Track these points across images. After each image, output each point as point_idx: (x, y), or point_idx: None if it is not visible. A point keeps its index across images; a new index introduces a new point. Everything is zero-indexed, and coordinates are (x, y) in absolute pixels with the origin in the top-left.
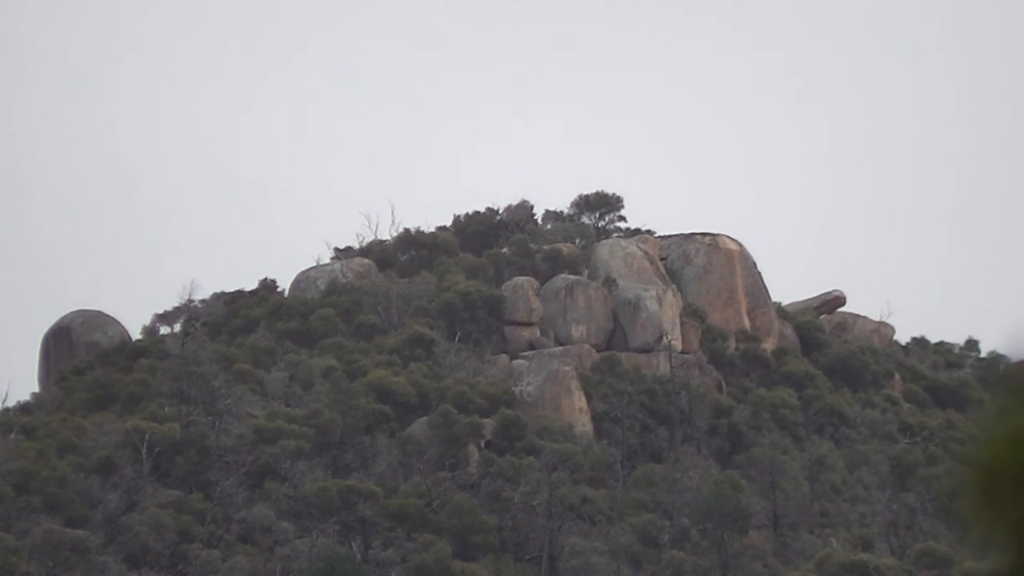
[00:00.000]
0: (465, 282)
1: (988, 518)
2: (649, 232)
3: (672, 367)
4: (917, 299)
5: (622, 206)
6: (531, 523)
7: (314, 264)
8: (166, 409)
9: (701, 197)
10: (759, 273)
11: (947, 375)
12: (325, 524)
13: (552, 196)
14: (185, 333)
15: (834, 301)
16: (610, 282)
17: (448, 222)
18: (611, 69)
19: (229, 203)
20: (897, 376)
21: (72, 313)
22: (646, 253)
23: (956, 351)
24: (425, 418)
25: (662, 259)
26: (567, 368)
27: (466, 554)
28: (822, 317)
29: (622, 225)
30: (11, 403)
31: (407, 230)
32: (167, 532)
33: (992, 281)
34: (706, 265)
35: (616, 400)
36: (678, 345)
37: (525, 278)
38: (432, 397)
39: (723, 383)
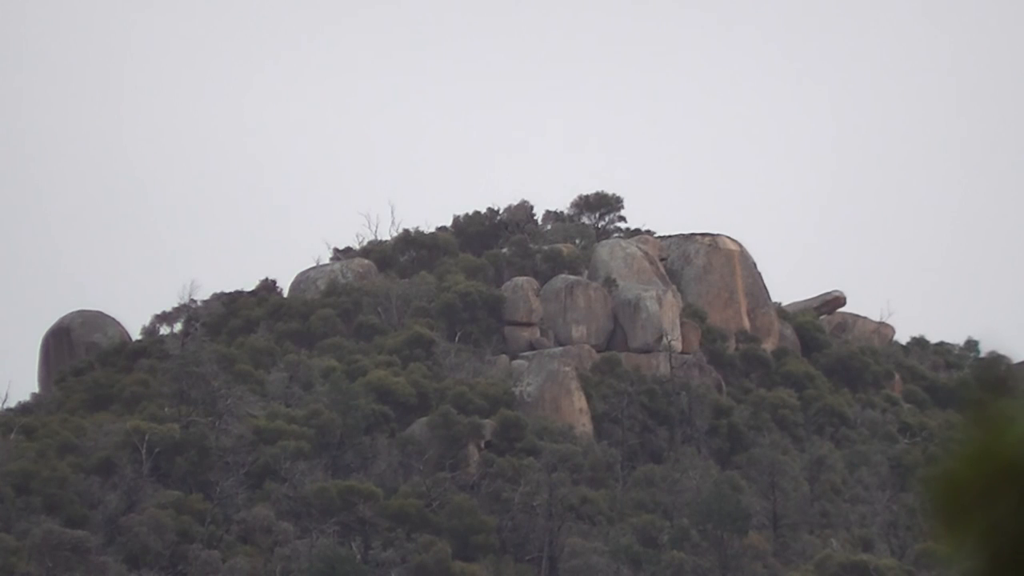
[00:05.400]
0: (465, 282)
1: (958, 527)
2: (649, 232)
3: (672, 367)
4: (917, 299)
5: (622, 206)
6: (531, 523)
7: (314, 264)
8: (166, 409)
9: (701, 197)
10: (759, 273)
11: (947, 375)
12: (325, 524)
13: (552, 196)
14: (185, 333)
15: (834, 301)
16: (610, 282)
17: (448, 222)
18: (611, 69)
19: (229, 203)
20: (897, 376)
21: (72, 313)
22: (646, 253)
23: (956, 351)
24: (425, 418)
25: (662, 259)
26: (567, 368)
27: (466, 554)
28: (822, 317)
29: (622, 225)
30: (11, 403)
31: (407, 230)
32: (167, 532)
33: (992, 281)
34: (706, 265)
35: (616, 400)
36: (678, 345)
37: (525, 278)
38: (432, 397)
39: (723, 383)
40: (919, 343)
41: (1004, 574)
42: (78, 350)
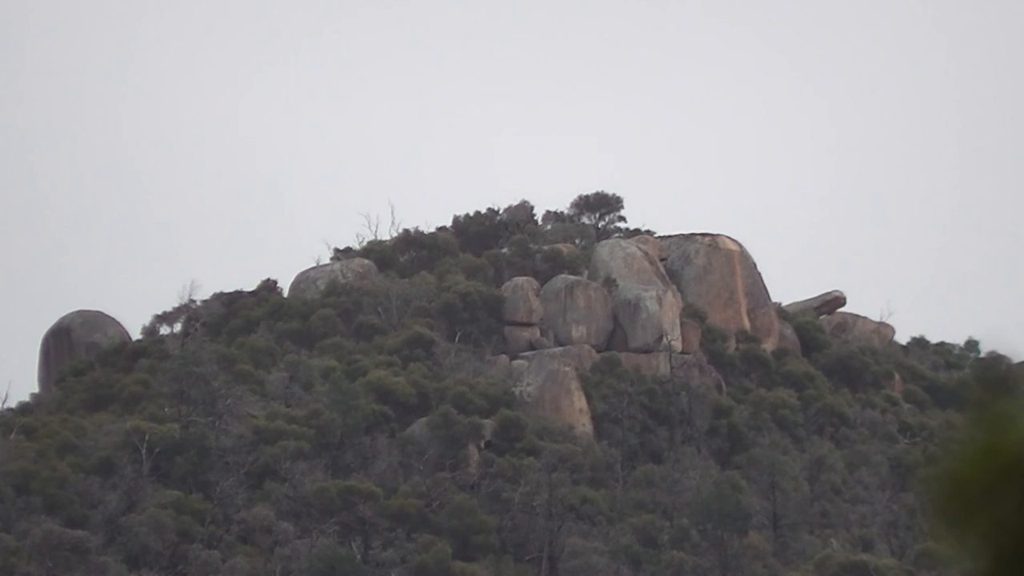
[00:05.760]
0: (465, 282)
1: (961, 526)
2: (649, 232)
3: (672, 368)
4: (917, 299)
5: (622, 206)
6: (531, 523)
7: (314, 264)
8: (166, 409)
9: (701, 197)
10: (759, 273)
11: (947, 375)
12: (325, 524)
13: (552, 196)
14: (185, 333)
15: (834, 301)
16: (610, 282)
17: (448, 222)
18: (612, 69)
19: (229, 203)
20: (897, 376)
21: (72, 313)
22: (646, 253)
23: (956, 351)
24: (425, 418)
25: (662, 259)
26: (567, 368)
27: (466, 554)
28: (822, 317)
29: (622, 225)
30: (11, 403)
31: (407, 230)
32: (167, 532)
33: (992, 281)
34: (706, 265)
35: (616, 401)
36: (678, 346)
37: (525, 278)
38: (432, 397)
39: (723, 384)
40: (919, 343)
41: (1007, 573)
42: (78, 350)
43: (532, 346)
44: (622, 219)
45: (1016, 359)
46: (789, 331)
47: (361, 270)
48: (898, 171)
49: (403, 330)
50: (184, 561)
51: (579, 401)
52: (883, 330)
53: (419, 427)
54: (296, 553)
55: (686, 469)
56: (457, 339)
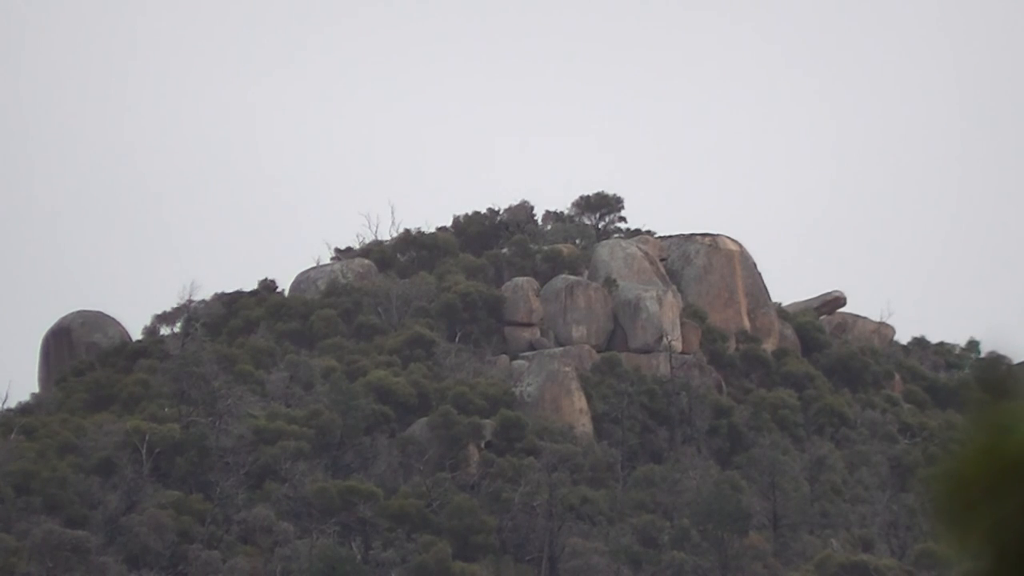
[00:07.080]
0: (465, 282)
1: (962, 526)
2: (649, 233)
3: (672, 368)
4: (917, 299)
5: (622, 207)
6: (531, 524)
7: (314, 264)
8: (166, 409)
9: (701, 197)
10: (759, 273)
11: (947, 376)
12: (325, 525)
13: (552, 196)
14: (185, 333)
15: (834, 301)
16: (610, 283)
17: (448, 222)
18: (612, 69)
19: (229, 203)
20: (897, 377)
21: (72, 313)
22: (646, 254)
23: (956, 351)
24: (425, 419)
25: (662, 260)
26: (567, 369)
27: (466, 555)
28: (822, 318)
29: (622, 226)
30: (11, 403)
31: (407, 230)
32: (167, 532)
33: (992, 281)
34: (706, 266)
35: (616, 401)
36: (678, 346)
37: (525, 279)
38: (432, 398)
39: (723, 384)
40: (919, 343)
41: (1008, 573)
42: (78, 350)
43: (532, 346)
44: (622, 219)
45: (1016, 359)
46: (789, 331)
47: (361, 270)
48: (898, 171)
49: (403, 330)
50: (184, 561)
51: (579, 401)
52: (883, 330)
53: (419, 427)
54: (296, 553)
55: (686, 469)
56: (457, 339)
